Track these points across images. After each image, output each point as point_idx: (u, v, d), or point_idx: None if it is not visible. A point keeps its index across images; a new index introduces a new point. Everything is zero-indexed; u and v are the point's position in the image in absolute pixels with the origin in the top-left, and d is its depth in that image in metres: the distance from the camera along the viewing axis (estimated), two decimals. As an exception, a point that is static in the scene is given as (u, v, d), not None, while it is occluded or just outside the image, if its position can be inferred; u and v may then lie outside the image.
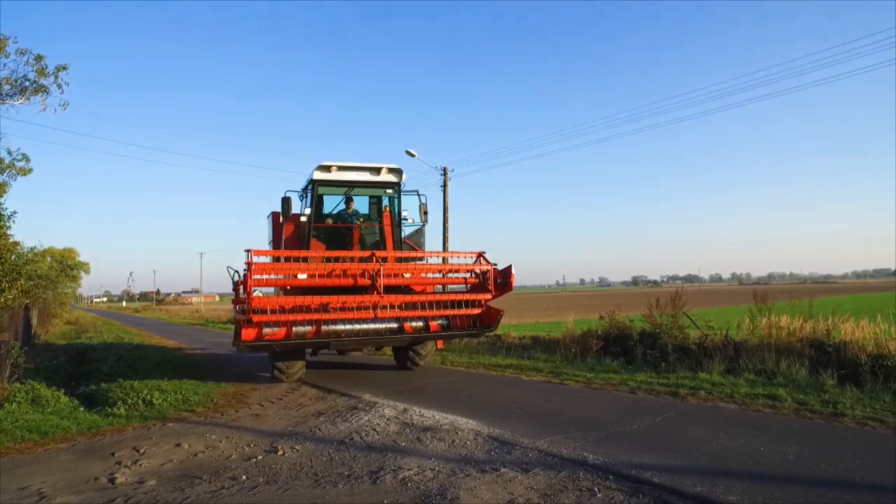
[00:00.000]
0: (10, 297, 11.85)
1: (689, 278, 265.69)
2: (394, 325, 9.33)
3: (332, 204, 11.40)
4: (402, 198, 10.98)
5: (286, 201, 10.35)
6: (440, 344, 13.11)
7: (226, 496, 4.39)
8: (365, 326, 9.14)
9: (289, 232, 10.62)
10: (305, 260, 9.16)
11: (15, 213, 23.83)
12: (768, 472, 4.52)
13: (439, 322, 9.68)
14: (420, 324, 9.54)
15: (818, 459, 4.79)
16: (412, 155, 27.54)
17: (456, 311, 9.51)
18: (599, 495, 4.20)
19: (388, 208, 11.27)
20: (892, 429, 5.77)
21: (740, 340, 10.38)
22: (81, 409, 7.81)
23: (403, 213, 11.00)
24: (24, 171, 25.64)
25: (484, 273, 9.74)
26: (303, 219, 10.49)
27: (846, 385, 7.88)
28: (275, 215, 11.40)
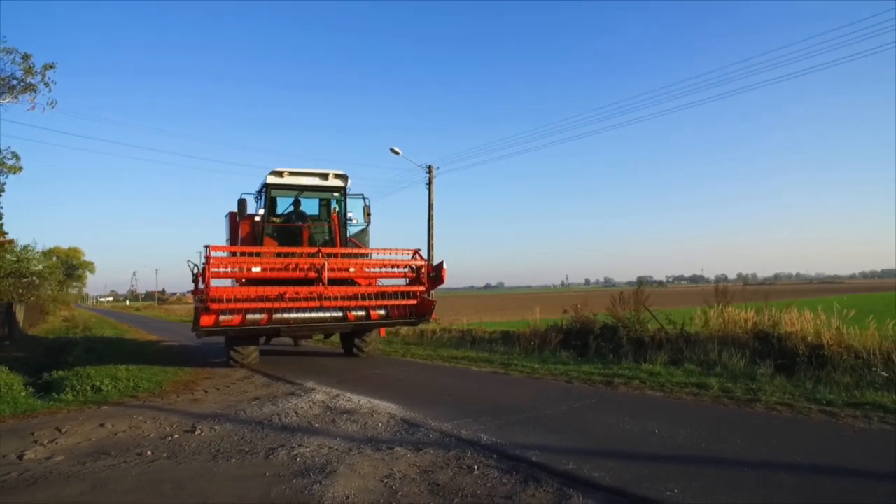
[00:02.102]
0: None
1: (695, 278, 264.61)
2: (338, 314, 10.26)
3: (285, 205, 12.31)
4: (349, 201, 11.98)
5: (242, 203, 11.17)
6: (382, 332, 14.09)
7: (122, 468, 4.58)
8: (312, 315, 10.01)
9: (245, 230, 11.51)
10: (259, 255, 10.04)
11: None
12: (648, 451, 4.65)
13: (379, 311, 10.61)
14: (362, 313, 10.47)
15: (703, 440, 4.92)
16: (396, 153, 27.74)
17: (394, 302, 10.52)
18: (476, 472, 4.34)
19: (335, 210, 12.21)
20: (796, 412, 5.89)
21: (693, 333, 10.51)
22: (31, 395, 8.03)
23: (349, 215, 11.99)
24: (15, 169, 26.02)
25: (418, 268, 10.75)
26: (257, 219, 11.32)
27: (781, 374, 8.01)
28: (232, 215, 12.16)
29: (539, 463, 4.40)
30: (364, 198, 12.25)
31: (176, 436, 5.64)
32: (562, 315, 14.24)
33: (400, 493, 3.92)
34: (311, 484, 4.09)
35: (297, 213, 12.26)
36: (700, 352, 9.44)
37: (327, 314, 10.15)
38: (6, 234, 32.68)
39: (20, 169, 25.96)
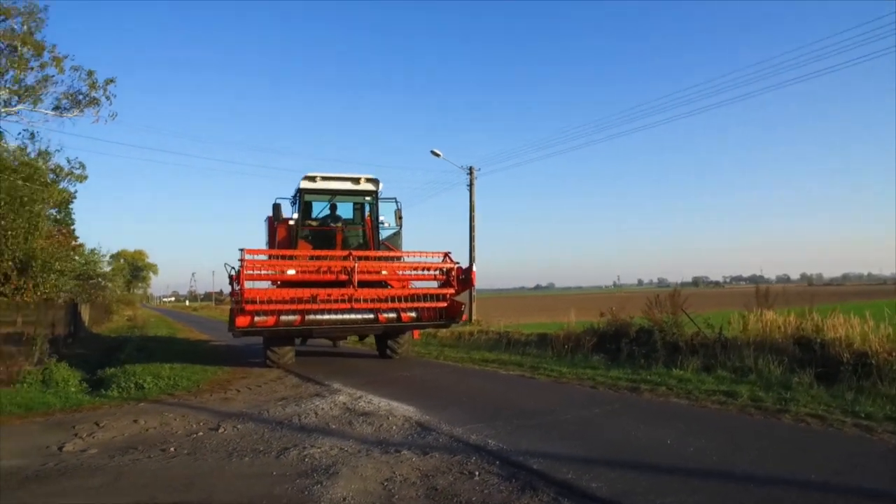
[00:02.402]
0: (46, 289, 13.11)
1: (754, 279, 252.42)
2: (370, 316, 10.42)
3: (321, 209, 12.70)
4: (382, 204, 12.22)
5: (276, 207, 11.67)
6: (416, 335, 14.26)
7: (144, 463, 4.88)
8: (343, 316, 10.22)
9: (281, 234, 11.96)
10: (292, 258, 10.39)
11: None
12: (654, 462, 4.54)
13: (410, 313, 10.77)
14: (393, 315, 10.63)
15: (716, 452, 4.74)
16: (437, 155, 27.94)
17: (424, 304, 10.70)
18: (476, 478, 4.37)
19: (368, 213, 12.52)
20: (827, 424, 5.58)
21: (731, 338, 10.10)
22: (82, 390, 8.64)
23: (381, 218, 12.24)
24: (81, 178, 27.82)
25: (448, 271, 10.80)
26: (291, 222, 11.72)
27: (821, 383, 7.59)
28: (270, 219, 12.49)
29: (539, 471, 4.38)
30: (396, 201, 12.47)
31: (200, 433, 5.94)
32: (599, 318, 14.00)
33: (396, 497, 4.00)
34: (313, 484, 4.23)
35: (333, 217, 12.59)
36: (735, 358, 9.06)
37: (358, 316, 10.36)
38: (77, 238, 35.16)
39: (85, 178, 27.86)
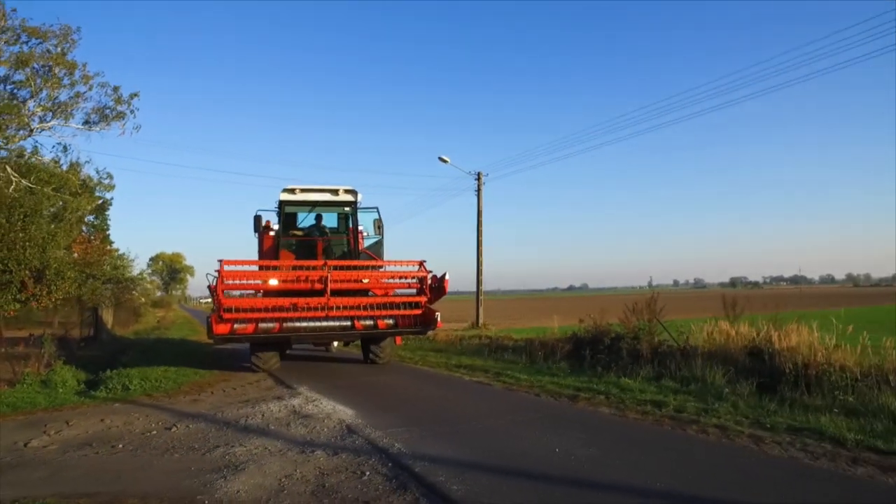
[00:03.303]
0: (59, 297, 14.20)
1: (795, 279, 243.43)
2: (346, 323, 10.87)
3: (308, 220, 13.14)
4: (363, 214, 12.81)
5: (257, 219, 12.37)
6: (398, 340, 14.65)
7: (90, 458, 5.58)
8: (320, 324, 10.64)
9: (266, 244, 12.54)
10: (270, 268, 11.02)
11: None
12: (531, 469, 4.91)
13: (387, 320, 11.14)
14: (370, 322, 11.06)
15: (592, 461, 5.10)
16: (445, 161, 28.49)
17: (400, 312, 11.07)
18: (364, 478, 4.87)
19: (349, 223, 12.93)
20: (724, 435, 5.85)
21: (693, 346, 10.27)
22: (72, 391, 9.51)
23: (360, 228, 12.71)
24: (109, 188, 29.49)
25: (422, 279, 11.22)
26: (271, 233, 12.36)
27: (765, 393, 7.77)
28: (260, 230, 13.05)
29: (418, 473, 4.85)
30: (377, 211, 12.97)
31: (154, 432, 6.63)
32: (595, 322, 14.23)
33: (285, 492, 4.55)
34: (218, 479, 4.82)
35: (317, 228, 13.08)
36: (685, 368, 9.28)
37: (334, 323, 10.78)
38: (112, 243, 37.15)
39: (113, 187, 29.56)
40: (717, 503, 4.03)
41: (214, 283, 9.93)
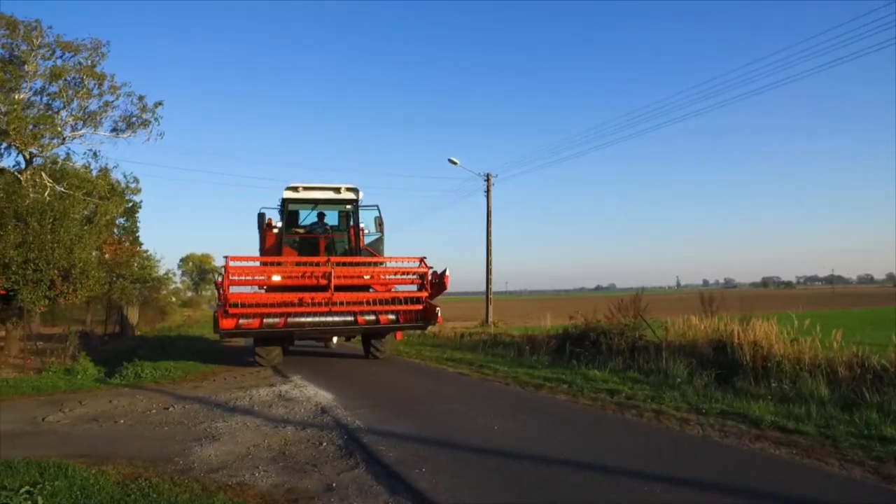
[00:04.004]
0: (83, 294, 15.39)
1: (831, 279, 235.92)
2: (349, 318, 11.20)
3: (311, 218, 13.47)
4: (363, 212, 13.08)
5: (260, 217, 12.89)
6: (398, 336, 15.03)
7: (94, 429, 6.47)
8: (323, 319, 10.94)
9: (269, 241, 13.10)
10: (274, 265, 11.27)
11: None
12: (460, 441, 5.53)
13: (388, 316, 11.48)
14: (372, 317, 11.40)
15: (520, 436, 5.74)
16: (454, 163, 29.19)
17: (401, 307, 11.44)
18: (321, 447, 5.61)
19: (350, 221, 13.24)
20: (656, 418, 6.41)
21: (670, 341, 10.74)
22: (92, 378, 10.52)
23: (361, 225, 13.02)
24: (136, 191, 31.07)
25: (423, 275, 11.48)
26: (275, 230, 12.89)
27: (720, 384, 8.24)
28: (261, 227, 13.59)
29: (365, 444, 5.55)
30: (377, 209, 13.27)
31: (153, 411, 7.50)
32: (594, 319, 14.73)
33: (249, 457, 5.31)
34: (195, 446, 5.63)
35: (319, 225, 13.31)
36: (653, 360, 9.78)
37: (337, 318, 11.04)
38: (141, 244, 39.01)
39: (139, 191, 31.21)
40: (612, 470, 4.61)
41: (221, 280, 10.28)
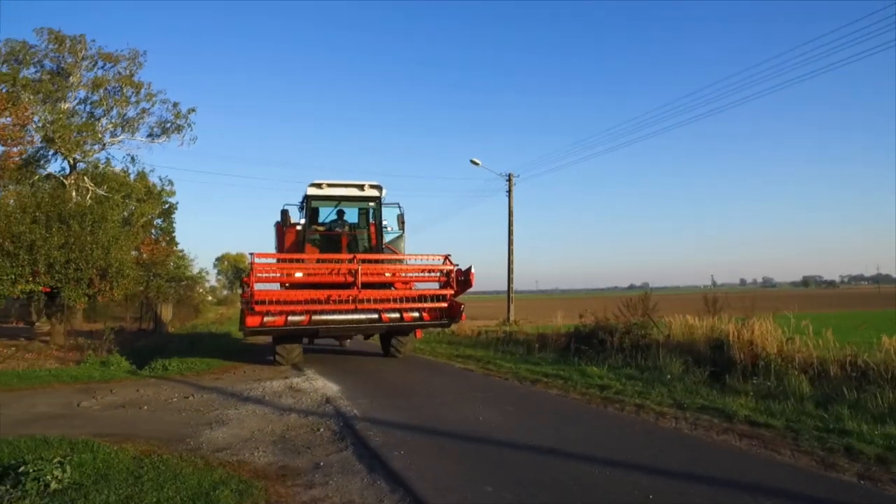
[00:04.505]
0: (119, 292, 16.44)
1: (877, 278, 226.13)
2: (373, 316, 11.12)
3: (328, 215, 13.37)
4: (385, 209, 12.92)
5: (284, 213, 12.87)
6: (419, 334, 15.08)
7: (119, 414, 7.17)
8: (348, 316, 10.91)
9: (290, 238, 12.90)
10: (299, 261, 11.23)
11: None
12: (444, 429, 6.01)
13: (412, 313, 11.45)
14: (396, 315, 11.31)
15: (503, 426, 6.17)
16: (476, 164, 29.57)
17: (426, 305, 11.43)
18: (319, 432, 6.15)
19: (372, 218, 13.16)
20: (638, 412, 6.73)
21: (672, 340, 10.95)
22: (123, 370, 11.38)
23: (384, 223, 12.92)
24: (171, 193, 32.58)
25: (448, 272, 11.51)
26: (298, 227, 12.82)
27: (713, 380, 8.47)
28: (278, 225, 13.58)
29: (357, 430, 6.07)
30: (399, 207, 13.21)
31: (175, 399, 8.20)
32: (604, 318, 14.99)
33: (252, 439, 5.89)
34: (205, 430, 6.24)
35: (339, 222, 13.22)
36: (650, 357, 10.02)
37: (362, 316, 10.95)
38: (177, 244, 40.76)
39: (174, 193, 32.73)
40: (572, 455, 4.99)
41: (247, 275, 10.17)
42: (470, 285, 11.47)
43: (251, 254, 10.35)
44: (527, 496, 3.94)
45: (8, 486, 4.02)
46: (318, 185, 12.17)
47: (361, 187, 12.43)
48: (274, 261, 11.20)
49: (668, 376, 8.64)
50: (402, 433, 5.86)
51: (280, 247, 13.22)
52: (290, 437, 5.94)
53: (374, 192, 12.50)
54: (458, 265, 11.48)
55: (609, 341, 11.70)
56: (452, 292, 11.47)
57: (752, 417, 6.12)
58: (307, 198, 12.36)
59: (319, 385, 9.10)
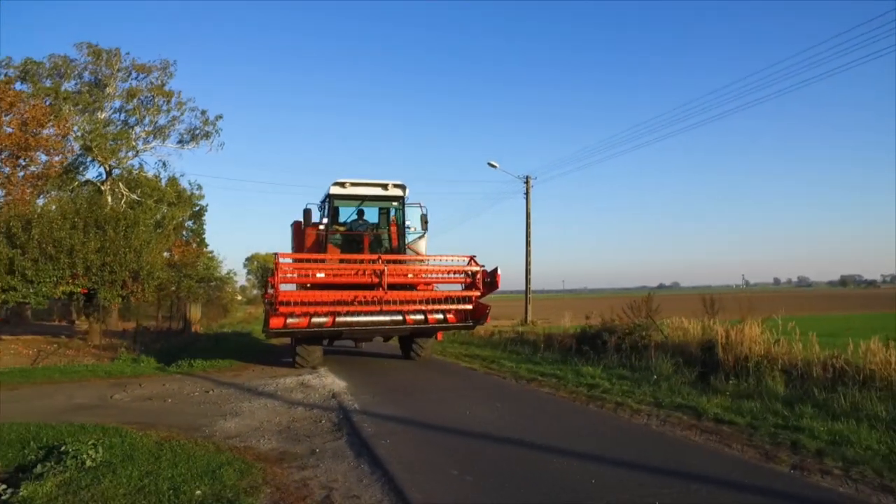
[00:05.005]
0: (150, 293, 17.52)
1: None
2: (398, 318, 11.04)
3: (346, 215, 13.23)
4: (408, 209, 12.71)
5: (307, 212, 12.41)
6: (439, 336, 14.73)
7: (146, 405, 7.98)
8: (373, 318, 10.83)
9: (311, 238, 12.63)
10: (323, 261, 11.06)
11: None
12: (432, 422, 6.60)
13: (436, 315, 11.38)
14: (420, 316, 11.23)
15: (486, 419, 6.72)
16: (494, 166, 30.02)
17: (450, 306, 11.33)
18: (320, 423, 6.82)
19: (394, 218, 13.09)
20: (615, 409, 7.21)
21: (670, 341, 11.32)
22: (152, 366, 12.31)
23: (406, 223, 12.72)
24: (200, 197, 33.93)
25: (474, 273, 11.38)
26: (321, 227, 12.58)
27: (700, 381, 8.86)
28: (296, 224, 13.48)
29: (354, 421, 6.70)
30: (422, 207, 12.97)
31: (196, 393, 9.00)
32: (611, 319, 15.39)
33: (260, 429, 6.58)
34: (219, 420, 6.97)
35: (360, 222, 13.03)
36: (644, 358, 10.42)
37: (387, 317, 10.84)
38: (207, 245, 42.34)
39: (203, 197, 34.14)
40: (540, 446, 5.50)
41: (271, 275, 9.92)
42: (496, 287, 11.34)
43: (275, 254, 10.29)
44: (483, 478, 4.51)
45: (52, 463, 4.77)
46: (342, 184, 11.99)
47: (385, 186, 12.23)
48: (299, 261, 11.08)
49: (655, 377, 9.04)
50: (393, 425, 6.48)
51: (299, 247, 13.07)
52: (294, 428, 6.61)
53: (398, 192, 12.32)
54: (483, 266, 11.39)
55: (609, 342, 12.14)
56: (479, 294, 11.39)
57: (721, 415, 6.53)
58: (329, 197, 12.17)
59: (329, 381, 9.78)
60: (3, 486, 4.31)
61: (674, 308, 14.17)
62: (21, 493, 4.07)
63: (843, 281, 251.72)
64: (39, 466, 4.66)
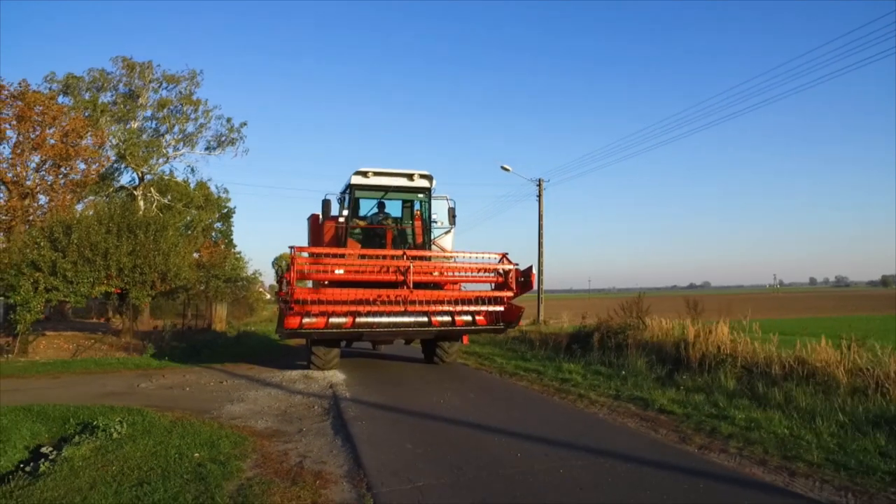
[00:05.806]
0: (178, 293, 18.89)
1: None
2: (423, 319, 10.13)
3: (367, 207, 12.36)
4: (434, 202, 11.87)
5: (326, 203, 11.43)
6: (465, 339, 13.89)
7: (166, 393, 9.13)
8: (396, 319, 9.97)
9: (329, 232, 11.82)
10: (343, 256, 10.08)
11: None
12: (408, 408, 7.53)
13: (464, 317, 10.51)
14: (447, 318, 10.37)
15: (456, 407, 7.61)
16: (507, 170, 30.75)
17: (481, 307, 10.39)
18: (313, 409, 7.82)
19: (419, 212, 12.06)
20: (577, 400, 8.02)
21: (648, 340, 12.01)
22: (179, 360, 13.57)
23: (433, 217, 11.87)
24: (227, 200, 35.58)
25: (507, 272, 10.53)
26: (340, 220, 11.55)
27: (668, 376, 9.57)
28: (314, 217, 12.68)
29: (341, 408, 7.67)
30: (449, 199, 12.12)
31: (211, 384, 10.12)
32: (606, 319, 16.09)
33: (260, 412, 7.62)
34: (226, 404, 8.04)
35: (382, 215, 12.18)
36: (622, 356, 11.15)
37: (411, 319, 10.01)
38: (235, 245, 44.14)
39: (230, 200, 35.80)
40: (493, 429, 6.36)
41: (286, 271, 9.23)
42: (530, 287, 10.65)
43: (291, 247, 9.45)
44: (430, 450, 5.42)
45: (87, 434, 5.87)
46: (364, 174, 11.15)
47: (411, 177, 11.33)
48: (316, 255, 10.05)
49: (624, 372, 9.79)
50: (373, 410, 7.44)
51: (316, 241, 12.30)
52: (289, 412, 7.63)
53: (425, 183, 11.43)
54: (517, 264, 10.60)
55: (595, 341, 12.88)
56: (512, 294, 10.55)
57: (665, 406, 7.29)
58: (350, 187, 11.28)
59: (329, 374, 10.79)
60: (51, 449, 5.42)
61: (674, 308, 14.77)
62: (63, 454, 5.16)
63: (885, 280, 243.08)
64: (77, 437, 5.78)
